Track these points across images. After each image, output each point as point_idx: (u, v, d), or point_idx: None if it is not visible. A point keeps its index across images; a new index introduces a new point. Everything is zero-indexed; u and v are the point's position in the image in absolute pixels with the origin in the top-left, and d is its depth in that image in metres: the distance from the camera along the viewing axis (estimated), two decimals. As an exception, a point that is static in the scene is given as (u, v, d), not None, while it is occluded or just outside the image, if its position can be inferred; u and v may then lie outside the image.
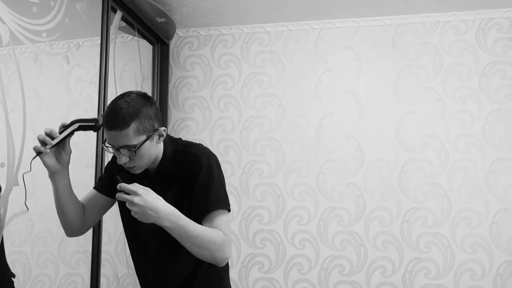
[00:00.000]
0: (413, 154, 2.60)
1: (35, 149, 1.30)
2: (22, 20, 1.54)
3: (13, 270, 1.54)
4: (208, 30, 2.92)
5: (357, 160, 2.65)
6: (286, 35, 2.83)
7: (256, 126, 2.79)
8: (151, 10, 2.46)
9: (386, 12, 2.67)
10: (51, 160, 1.31)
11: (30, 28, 1.58)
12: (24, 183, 1.38)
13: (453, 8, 2.60)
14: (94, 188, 1.51)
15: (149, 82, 2.71)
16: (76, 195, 1.44)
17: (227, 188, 2.93)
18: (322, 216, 2.65)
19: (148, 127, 1.27)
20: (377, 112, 2.67)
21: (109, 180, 1.46)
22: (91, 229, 1.96)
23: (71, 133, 1.33)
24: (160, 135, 1.32)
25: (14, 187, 1.47)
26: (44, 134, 1.30)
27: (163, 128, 1.32)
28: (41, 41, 1.65)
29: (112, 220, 2.17)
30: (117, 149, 1.26)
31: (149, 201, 1.16)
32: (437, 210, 2.54)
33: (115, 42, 2.22)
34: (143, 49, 2.65)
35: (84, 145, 2.02)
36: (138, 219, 1.19)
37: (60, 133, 1.31)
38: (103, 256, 2.05)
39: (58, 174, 1.34)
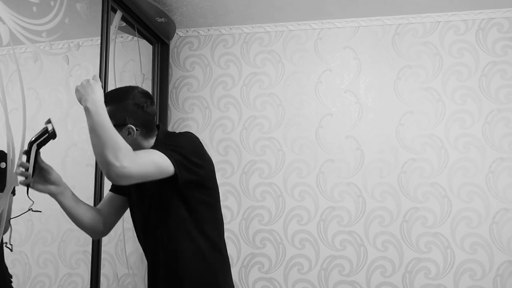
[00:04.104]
0: (413, 154, 2.60)
1: (22, 183, 1.32)
2: (22, 20, 1.54)
3: (13, 270, 1.54)
4: (208, 30, 2.92)
5: (357, 160, 2.65)
6: (286, 35, 2.83)
7: (256, 126, 2.79)
8: (151, 10, 2.46)
9: (386, 12, 2.66)
10: (41, 186, 1.35)
11: (30, 28, 1.58)
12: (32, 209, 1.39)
13: (453, 8, 2.60)
14: (109, 190, 1.55)
15: (149, 82, 2.71)
16: (86, 203, 1.48)
17: (227, 188, 2.93)
18: (322, 216, 2.65)
19: (118, 117, 1.35)
20: (377, 112, 2.67)
21: None
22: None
23: (37, 154, 1.31)
24: (129, 132, 1.37)
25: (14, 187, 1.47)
26: (19, 170, 1.32)
27: (131, 126, 1.36)
28: (41, 41, 1.65)
29: (112, 220, 2.16)
30: None
31: (91, 83, 1.30)
32: (437, 210, 2.54)
33: (115, 42, 2.22)
34: (143, 49, 2.65)
35: (84, 145, 2.02)
36: (75, 94, 1.31)
37: (27, 161, 1.30)
38: (103, 256, 2.05)
39: (58, 193, 1.38)
